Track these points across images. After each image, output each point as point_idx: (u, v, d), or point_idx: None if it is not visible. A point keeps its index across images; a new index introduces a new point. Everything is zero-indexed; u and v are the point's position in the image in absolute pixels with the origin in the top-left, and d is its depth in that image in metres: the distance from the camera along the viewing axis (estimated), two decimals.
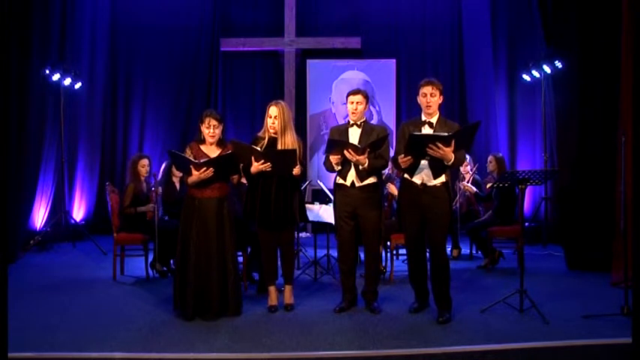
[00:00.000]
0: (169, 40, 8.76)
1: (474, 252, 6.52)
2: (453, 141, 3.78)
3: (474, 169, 6.47)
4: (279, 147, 4.18)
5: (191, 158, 4.04)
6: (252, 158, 4.05)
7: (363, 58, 8.74)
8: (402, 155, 3.90)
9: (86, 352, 3.37)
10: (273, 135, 4.24)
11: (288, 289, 4.36)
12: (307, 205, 4.97)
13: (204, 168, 3.95)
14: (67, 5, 7.53)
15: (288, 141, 4.20)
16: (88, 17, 8.18)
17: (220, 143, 4.20)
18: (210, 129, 4.11)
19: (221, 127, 4.16)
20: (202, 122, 4.14)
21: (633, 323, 2.77)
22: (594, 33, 5.51)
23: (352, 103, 4.22)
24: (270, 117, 4.22)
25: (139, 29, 8.73)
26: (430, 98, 4.01)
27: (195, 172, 3.96)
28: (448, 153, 3.81)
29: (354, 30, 8.83)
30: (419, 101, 4.09)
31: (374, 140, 4.05)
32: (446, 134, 3.81)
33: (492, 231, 5.85)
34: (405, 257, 4.64)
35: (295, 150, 4.13)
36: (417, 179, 4.01)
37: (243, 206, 4.32)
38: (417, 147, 3.83)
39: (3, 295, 2.30)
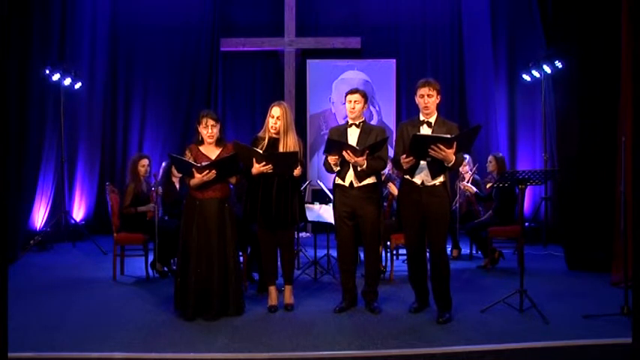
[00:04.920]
0: (169, 40, 8.76)
1: (473, 252, 6.52)
2: (455, 143, 3.79)
3: (474, 169, 6.47)
4: (280, 148, 4.18)
5: (191, 161, 4.04)
6: (254, 160, 4.05)
7: (363, 58, 8.75)
8: (404, 156, 3.90)
9: (86, 352, 3.37)
10: (274, 135, 4.23)
11: (288, 289, 4.36)
12: (307, 205, 4.97)
13: (207, 171, 3.95)
14: (67, 5, 7.53)
15: (290, 142, 4.20)
16: (88, 17, 8.19)
17: (219, 143, 4.20)
18: (208, 129, 4.11)
19: (219, 127, 4.16)
20: (199, 123, 4.14)
21: (633, 323, 2.78)
22: (594, 33, 5.51)
23: (350, 102, 4.22)
24: (273, 117, 4.21)
25: (139, 29, 8.74)
26: (428, 99, 4.01)
27: (197, 175, 3.97)
28: (450, 154, 3.81)
29: (354, 30, 8.83)
30: (417, 102, 4.10)
31: (373, 143, 4.05)
32: (449, 136, 3.82)
33: (492, 231, 5.85)
34: (405, 257, 4.64)
35: (297, 152, 4.13)
36: (417, 179, 4.01)
37: (243, 206, 4.32)
38: (419, 147, 3.84)
39: (3, 295, 2.30)
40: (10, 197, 6.06)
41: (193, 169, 3.98)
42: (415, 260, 4.17)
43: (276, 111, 4.21)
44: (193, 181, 4.02)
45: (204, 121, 4.11)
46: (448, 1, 8.88)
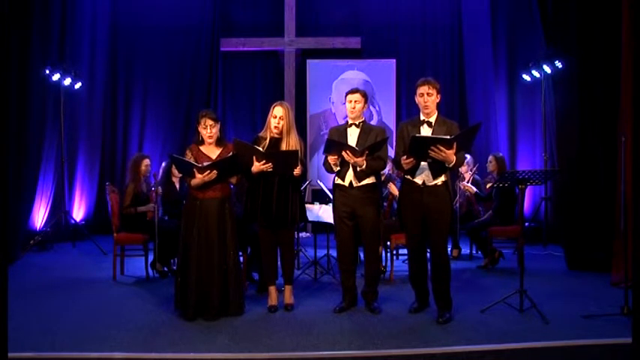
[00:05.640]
0: (169, 40, 8.76)
1: (473, 252, 6.52)
2: (455, 143, 3.78)
3: (474, 169, 6.47)
4: (283, 147, 4.18)
5: (192, 161, 4.04)
6: (254, 158, 4.05)
7: (363, 58, 8.75)
8: (405, 157, 3.89)
9: (86, 352, 3.37)
10: (276, 135, 4.23)
11: (288, 289, 4.36)
12: (307, 205, 4.97)
13: (207, 171, 3.96)
14: (67, 5, 7.54)
15: (292, 142, 4.20)
16: (88, 17, 8.19)
17: (220, 142, 4.20)
18: (207, 129, 4.12)
19: (218, 126, 4.17)
20: (199, 123, 4.15)
21: (633, 323, 2.78)
22: (594, 33, 5.51)
23: (350, 102, 4.22)
24: (275, 117, 4.20)
25: (139, 29, 8.74)
26: (427, 98, 3.99)
27: (198, 176, 3.97)
28: (450, 155, 3.80)
29: (354, 30, 8.84)
30: (417, 101, 4.09)
31: (372, 143, 4.05)
32: (448, 137, 3.81)
33: (492, 231, 5.85)
34: (405, 257, 4.63)
35: (297, 151, 4.13)
36: (418, 179, 4.01)
37: (244, 206, 4.32)
38: (419, 149, 3.83)
39: (3, 295, 2.30)
40: (10, 197, 6.06)
41: (194, 170, 3.98)
42: (416, 260, 4.17)
43: (278, 111, 4.21)
44: (194, 182, 4.02)
45: (203, 121, 4.12)
46: (448, 1, 8.88)
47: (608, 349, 3.45)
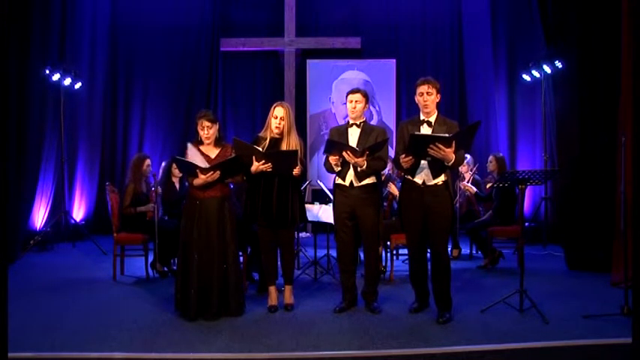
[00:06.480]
0: (169, 40, 8.77)
1: (473, 252, 6.52)
2: (454, 142, 3.78)
3: (474, 169, 6.47)
4: (283, 148, 4.18)
5: (195, 158, 4.05)
6: (254, 158, 4.05)
7: (363, 58, 8.75)
8: (404, 155, 3.89)
9: (86, 352, 3.37)
10: (276, 135, 4.23)
11: (288, 289, 4.36)
12: (307, 205, 4.97)
13: (211, 172, 3.97)
14: (67, 5, 7.54)
15: (293, 142, 4.20)
16: (88, 17, 8.20)
17: (218, 142, 4.21)
18: (205, 130, 4.13)
19: (215, 127, 4.17)
20: (197, 124, 4.17)
21: (633, 323, 2.77)
22: (594, 33, 5.51)
23: (351, 102, 4.22)
24: (276, 118, 4.20)
25: (139, 29, 8.75)
26: (427, 97, 3.99)
27: (201, 176, 3.98)
28: (449, 154, 3.80)
29: (354, 30, 8.85)
30: (416, 100, 4.08)
31: (373, 144, 4.05)
32: (447, 135, 3.81)
33: (492, 231, 5.85)
34: (405, 257, 4.63)
35: (297, 151, 4.13)
36: (418, 179, 4.01)
37: (244, 206, 4.32)
38: (418, 147, 3.83)
39: (3, 295, 2.30)
40: (10, 197, 6.05)
41: (197, 171, 3.99)
42: (416, 260, 4.17)
43: (279, 111, 4.21)
44: (197, 182, 4.03)
45: (200, 122, 4.14)
46: (448, 1, 8.89)
47: (608, 349, 3.45)
